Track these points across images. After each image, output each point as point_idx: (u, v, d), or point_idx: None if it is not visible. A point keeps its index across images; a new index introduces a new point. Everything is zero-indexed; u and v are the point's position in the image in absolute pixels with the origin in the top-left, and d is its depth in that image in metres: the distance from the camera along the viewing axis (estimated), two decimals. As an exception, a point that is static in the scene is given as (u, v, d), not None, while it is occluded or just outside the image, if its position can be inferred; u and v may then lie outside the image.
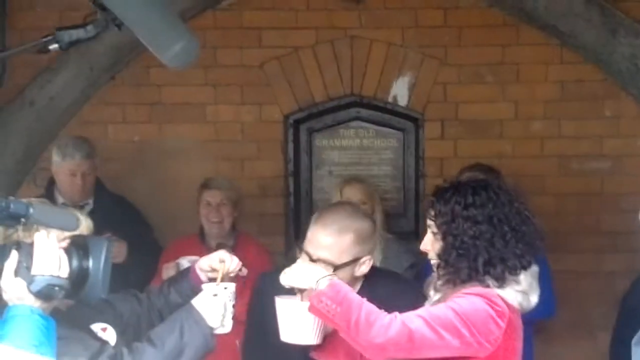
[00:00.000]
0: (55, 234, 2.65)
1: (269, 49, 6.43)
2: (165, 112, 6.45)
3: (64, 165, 5.47)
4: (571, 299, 6.05)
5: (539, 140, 6.35)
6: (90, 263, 2.71)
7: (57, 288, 2.59)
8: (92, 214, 5.22)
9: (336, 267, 3.30)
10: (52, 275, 2.58)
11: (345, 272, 3.31)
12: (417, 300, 3.18)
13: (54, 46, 3.24)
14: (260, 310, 3.60)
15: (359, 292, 3.09)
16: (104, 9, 3.24)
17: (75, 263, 2.67)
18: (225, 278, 3.29)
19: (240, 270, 3.36)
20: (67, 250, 2.67)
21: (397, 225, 6.07)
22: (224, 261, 3.26)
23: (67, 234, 2.76)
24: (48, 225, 2.64)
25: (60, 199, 5.48)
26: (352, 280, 3.35)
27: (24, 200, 2.63)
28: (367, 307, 2.92)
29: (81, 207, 5.28)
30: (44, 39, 3.25)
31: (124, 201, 5.80)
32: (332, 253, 3.33)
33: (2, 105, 6.21)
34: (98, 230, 3.11)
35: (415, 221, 6.48)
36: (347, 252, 3.35)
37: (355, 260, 3.38)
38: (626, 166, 6.29)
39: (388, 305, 2.98)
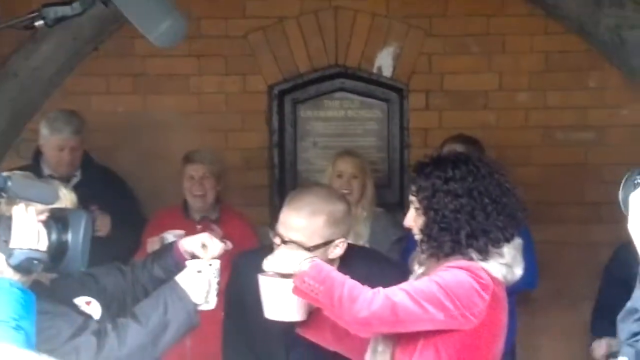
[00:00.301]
0: (34, 207, 2.64)
1: (253, 20, 6.40)
2: (149, 83, 6.42)
3: (52, 140, 5.45)
4: (555, 270, 6.08)
5: (524, 111, 6.35)
6: (70, 236, 2.70)
7: (36, 261, 2.59)
8: (78, 187, 5.26)
9: (308, 250, 3.26)
10: (30, 249, 2.57)
11: (317, 255, 3.22)
12: (398, 279, 3.15)
13: (39, 23, 3.22)
14: (238, 288, 3.59)
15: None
16: (90, -15, 3.22)
17: (54, 236, 2.67)
18: None
19: (225, 244, 3.37)
20: (46, 224, 2.66)
21: (382, 197, 6.06)
22: (206, 246, 3.26)
23: (47, 206, 2.75)
24: (27, 199, 2.63)
25: (46, 171, 5.46)
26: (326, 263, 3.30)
27: (3, 173, 2.62)
28: (350, 283, 2.93)
29: (68, 180, 5.28)
30: (30, 15, 3.23)
31: (111, 174, 5.79)
32: (304, 235, 3.30)
33: (-15, 77, 6.18)
34: (84, 202, 3.11)
35: (400, 192, 6.47)
36: (318, 235, 3.32)
37: (327, 243, 3.35)
38: (610, 137, 6.30)
39: (368, 284, 2.98)
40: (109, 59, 6.41)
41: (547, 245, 5.86)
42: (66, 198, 3.01)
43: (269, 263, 3.10)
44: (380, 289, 2.92)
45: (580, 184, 6.31)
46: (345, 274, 3.03)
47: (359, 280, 2.97)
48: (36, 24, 3.19)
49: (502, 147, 6.09)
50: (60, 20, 3.21)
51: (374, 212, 5.48)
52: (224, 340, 3.77)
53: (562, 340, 6.30)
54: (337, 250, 3.40)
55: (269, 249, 3.32)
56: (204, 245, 3.26)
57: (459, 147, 5.12)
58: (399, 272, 3.31)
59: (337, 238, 3.38)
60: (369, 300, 2.87)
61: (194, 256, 3.28)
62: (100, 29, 6.19)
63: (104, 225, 5.20)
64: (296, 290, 2.98)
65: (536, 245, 5.16)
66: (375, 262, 3.63)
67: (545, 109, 6.32)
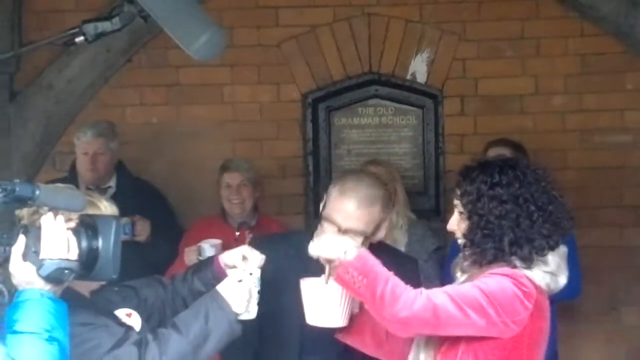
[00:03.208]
0: (62, 215, 2.62)
1: (286, 28, 6.40)
2: (183, 93, 6.43)
3: (77, 146, 5.54)
4: (594, 274, 5.99)
5: (560, 115, 6.29)
6: (100, 243, 2.67)
7: (67, 271, 2.56)
8: (114, 198, 5.26)
9: (367, 237, 3.38)
10: (61, 259, 2.54)
11: (369, 239, 3.41)
12: (414, 275, 3.30)
13: (80, 39, 3.23)
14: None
15: None
16: (130, 1, 3.23)
17: (84, 243, 2.64)
18: None
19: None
20: (76, 231, 2.63)
21: (418, 204, 6.02)
22: (247, 258, 3.24)
23: (75, 214, 2.74)
24: (55, 207, 2.61)
25: (81, 184, 5.47)
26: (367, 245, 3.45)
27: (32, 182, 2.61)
28: (394, 280, 2.90)
29: (104, 191, 5.28)
30: (70, 31, 3.25)
31: (147, 185, 5.79)
32: (363, 223, 3.38)
33: (20, 89, 6.21)
34: (121, 213, 3.09)
35: (436, 199, 6.44)
36: (374, 221, 3.41)
37: (379, 226, 3.45)
38: (648, 139, 6.23)
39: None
40: (143, 70, 6.44)
41: (585, 250, 5.77)
42: (107, 211, 2.99)
43: (314, 247, 3.10)
44: (423, 289, 2.89)
45: (619, 187, 6.25)
46: None
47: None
48: (77, 40, 3.21)
49: (539, 151, 6.03)
50: (100, 36, 3.23)
51: (410, 218, 5.43)
52: None
53: (602, 344, 6.23)
54: (381, 233, 3.50)
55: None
56: (244, 257, 3.25)
57: (503, 151, 5.08)
58: (415, 269, 3.47)
59: (385, 221, 3.49)
60: (411, 301, 2.84)
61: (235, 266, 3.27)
62: (133, 40, 6.21)
63: (143, 230, 5.20)
64: (339, 280, 2.96)
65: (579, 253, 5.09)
66: (395, 255, 3.68)
67: (581, 112, 6.27)
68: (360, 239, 3.33)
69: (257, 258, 3.25)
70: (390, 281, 2.88)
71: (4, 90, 6.15)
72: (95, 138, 5.49)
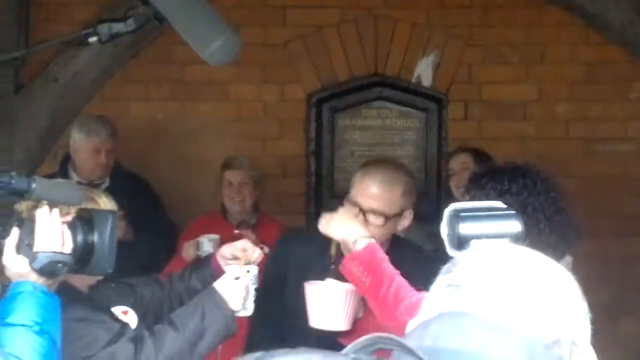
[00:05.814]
0: (59, 209, 2.63)
1: (292, 28, 6.39)
2: (188, 90, 6.43)
3: (87, 142, 5.35)
4: (593, 283, 5.98)
5: (564, 123, 6.29)
6: (96, 237, 2.69)
7: (60, 264, 2.57)
8: (107, 192, 5.21)
9: (387, 218, 3.36)
10: (54, 252, 2.56)
11: (391, 224, 3.40)
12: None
13: (93, 39, 3.24)
14: (282, 264, 3.62)
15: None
16: (145, 3, 3.23)
17: (80, 237, 2.65)
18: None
19: (262, 249, 3.38)
20: (72, 225, 2.64)
21: (419, 207, 5.99)
22: (247, 250, 3.26)
23: (72, 208, 2.74)
24: (52, 200, 2.62)
25: (75, 177, 5.34)
26: (391, 235, 3.49)
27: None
28: (398, 281, 2.91)
29: (97, 186, 5.23)
30: (85, 32, 3.25)
31: (139, 179, 5.70)
32: (384, 204, 3.37)
33: (25, 81, 6.21)
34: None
35: (437, 202, 6.43)
36: (396, 204, 3.40)
37: (401, 213, 3.44)
38: (651, 150, 6.22)
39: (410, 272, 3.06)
40: (148, 65, 6.43)
41: (585, 258, 5.73)
42: (106, 206, 3.00)
43: (324, 225, 3.14)
44: (426, 294, 2.88)
45: (620, 197, 6.24)
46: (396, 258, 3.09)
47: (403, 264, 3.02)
48: (90, 40, 3.21)
49: (541, 158, 6.02)
50: (114, 36, 3.23)
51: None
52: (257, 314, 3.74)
53: (599, 352, 6.19)
54: (405, 221, 3.50)
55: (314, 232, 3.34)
56: (244, 250, 3.27)
57: (464, 159, 5.12)
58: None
59: (408, 209, 3.48)
60: (413, 305, 2.82)
61: (234, 257, 3.28)
62: (140, 36, 6.19)
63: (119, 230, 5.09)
64: (344, 269, 2.98)
65: (574, 258, 5.09)
66: (419, 252, 3.79)
67: (585, 121, 6.26)
68: (380, 220, 3.35)
69: (256, 252, 3.28)
70: (395, 281, 2.89)
71: (9, 83, 6.15)
72: (110, 137, 5.37)
